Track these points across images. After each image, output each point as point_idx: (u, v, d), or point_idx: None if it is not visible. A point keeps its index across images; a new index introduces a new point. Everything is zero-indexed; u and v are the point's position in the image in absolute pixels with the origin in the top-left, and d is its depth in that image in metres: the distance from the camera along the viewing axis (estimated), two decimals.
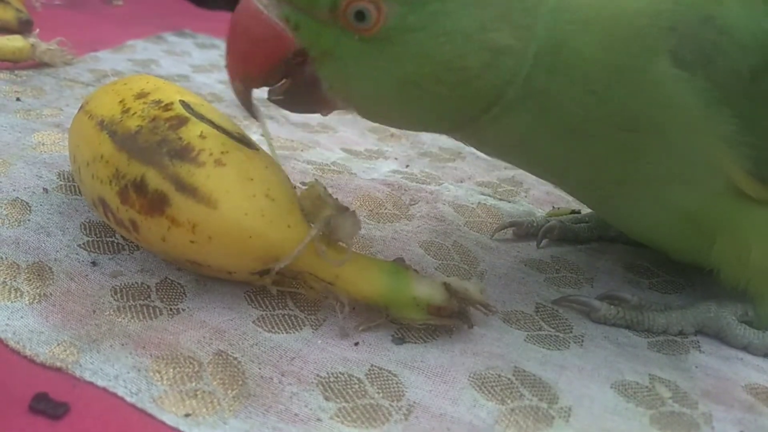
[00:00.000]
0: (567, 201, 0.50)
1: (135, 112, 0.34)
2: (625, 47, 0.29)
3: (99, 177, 0.34)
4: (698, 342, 0.36)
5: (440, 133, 0.36)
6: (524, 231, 0.43)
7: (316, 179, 0.33)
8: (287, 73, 0.31)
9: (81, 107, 0.38)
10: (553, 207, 0.48)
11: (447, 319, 0.32)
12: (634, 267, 0.42)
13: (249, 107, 0.33)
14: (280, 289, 0.34)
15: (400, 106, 0.31)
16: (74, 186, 0.42)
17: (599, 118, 0.30)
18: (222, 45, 0.82)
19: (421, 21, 0.28)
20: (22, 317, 0.31)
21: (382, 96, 0.31)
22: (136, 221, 0.32)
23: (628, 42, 0.29)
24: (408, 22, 0.28)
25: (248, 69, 0.31)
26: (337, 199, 0.32)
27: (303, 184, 0.32)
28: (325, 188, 0.32)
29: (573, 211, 0.46)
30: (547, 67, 0.29)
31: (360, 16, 0.28)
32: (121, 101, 0.36)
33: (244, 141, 0.34)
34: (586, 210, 0.45)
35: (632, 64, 0.29)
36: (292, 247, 0.31)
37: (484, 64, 0.29)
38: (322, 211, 0.32)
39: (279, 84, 0.32)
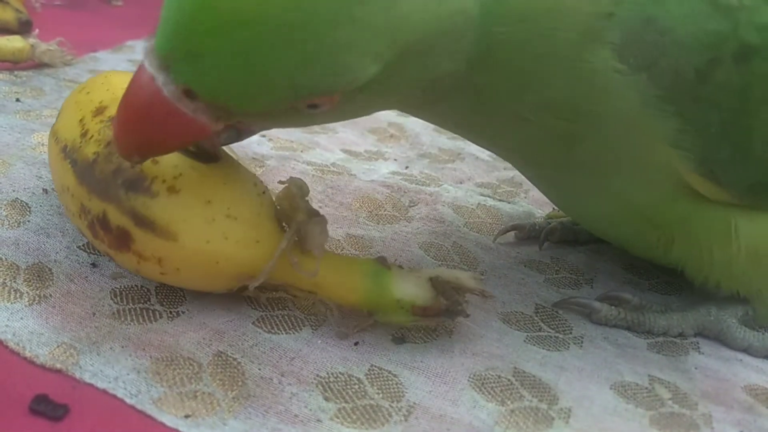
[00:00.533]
0: None
1: (92, 136, 0.33)
2: (563, 37, 0.28)
3: (70, 209, 0.34)
4: (698, 343, 0.36)
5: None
6: (526, 234, 0.43)
7: (291, 178, 0.32)
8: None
9: (53, 125, 0.37)
10: (554, 208, 0.48)
11: (435, 318, 0.31)
12: (634, 268, 0.42)
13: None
14: (268, 296, 0.34)
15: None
16: None
17: (536, 108, 0.30)
18: None
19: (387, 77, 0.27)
20: (21, 318, 0.31)
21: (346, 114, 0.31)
22: (110, 254, 0.32)
23: (566, 32, 0.28)
24: (369, 88, 0.27)
25: (148, 149, 0.28)
26: (308, 201, 0.31)
27: (281, 182, 0.32)
28: (300, 188, 0.31)
29: None
30: (482, 65, 0.29)
31: (313, 106, 0.27)
32: (81, 120, 0.34)
33: (200, 151, 0.32)
34: None
35: (571, 54, 0.29)
36: (265, 263, 0.30)
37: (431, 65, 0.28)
38: (296, 215, 0.31)
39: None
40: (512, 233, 0.43)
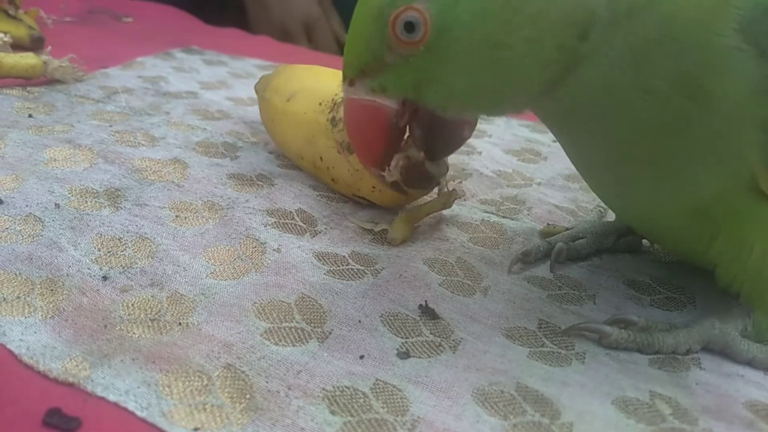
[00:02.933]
0: (568, 220, 0.50)
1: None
2: (693, 9, 0.30)
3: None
4: (699, 359, 0.36)
5: (528, 107, 0.36)
6: (533, 258, 0.43)
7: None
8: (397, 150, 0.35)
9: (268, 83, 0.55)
10: (547, 224, 0.48)
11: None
12: (636, 283, 0.43)
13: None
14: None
15: (488, 90, 0.32)
16: (85, 200, 0.43)
17: (662, 80, 0.31)
18: (229, 61, 0.84)
19: (464, 12, 0.29)
20: (35, 332, 0.31)
21: (470, 88, 0.32)
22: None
23: (702, 7, 0.30)
24: (453, 15, 0.30)
25: (371, 151, 0.35)
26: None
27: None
28: None
29: (566, 229, 0.46)
30: (623, 27, 0.30)
31: (410, 27, 0.30)
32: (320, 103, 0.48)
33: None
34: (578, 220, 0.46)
35: (698, 28, 0.30)
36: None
37: (537, 34, 0.30)
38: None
39: (393, 166, 0.36)
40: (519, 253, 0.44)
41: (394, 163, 0.36)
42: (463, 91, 0.32)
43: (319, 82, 0.50)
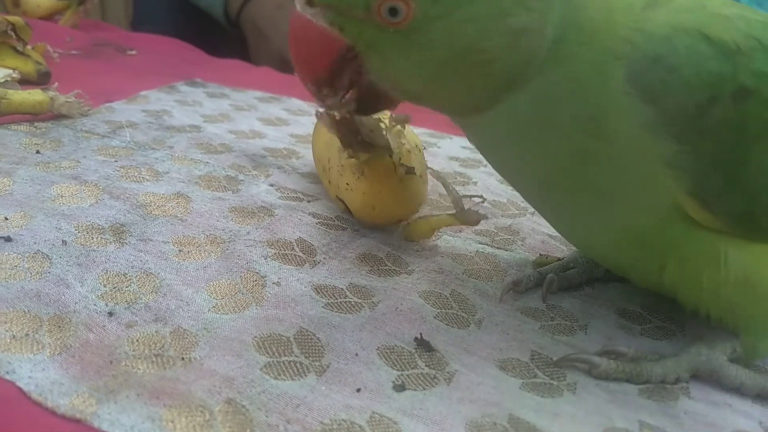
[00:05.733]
0: (562, 250, 0.51)
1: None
2: (598, 51, 0.33)
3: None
4: (688, 388, 0.37)
5: (462, 116, 0.38)
6: (524, 287, 0.44)
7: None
8: (350, 81, 0.36)
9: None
10: (540, 255, 0.49)
11: None
12: (627, 313, 0.44)
13: (323, 103, 0.38)
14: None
15: (435, 88, 0.35)
16: (91, 237, 0.44)
17: (571, 120, 0.34)
18: (232, 94, 0.86)
19: (444, 10, 0.32)
20: (43, 369, 0.32)
21: (419, 78, 0.35)
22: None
23: (598, 47, 0.33)
24: (433, 12, 0.32)
25: (313, 70, 0.36)
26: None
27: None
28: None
29: (558, 259, 0.47)
30: (555, 55, 0.33)
31: (393, 11, 0.32)
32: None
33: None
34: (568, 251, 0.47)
35: (599, 70, 0.33)
36: None
37: (505, 46, 0.33)
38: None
39: (348, 95, 0.37)
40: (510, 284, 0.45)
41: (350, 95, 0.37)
42: (408, 78, 0.35)
43: None
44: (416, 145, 0.52)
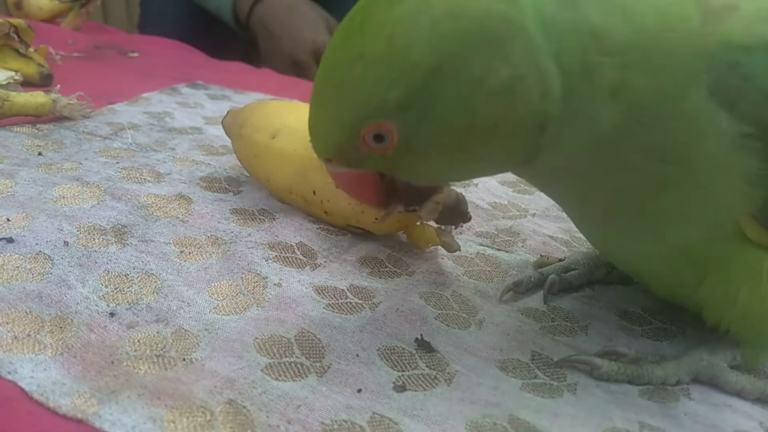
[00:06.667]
0: (562, 251, 0.51)
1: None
2: (670, 74, 0.31)
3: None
4: (688, 389, 0.37)
5: (514, 170, 0.37)
6: (524, 288, 0.44)
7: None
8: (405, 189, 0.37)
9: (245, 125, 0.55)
10: (541, 256, 0.49)
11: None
12: (628, 314, 0.44)
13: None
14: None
15: (467, 169, 0.35)
16: (93, 237, 0.44)
17: (641, 149, 0.32)
18: (233, 96, 0.86)
19: (420, 112, 0.30)
20: (45, 369, 0.33)
21: (447, 171, 0.34)
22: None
23: (673, 69, 0.31)
24: (410, 119, 0.31)
25: (373, 205, 0.38)
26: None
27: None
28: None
29: (559, 260, 0.48)
30: (583, 97, 0.31)
31: (379, 138, 0.31)
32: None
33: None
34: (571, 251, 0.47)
35: (674, 92, 0.31)
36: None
37: (500, 106, 0.30)
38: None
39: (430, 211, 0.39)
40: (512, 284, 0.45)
41: (431, 207, 0.39)
42: (433, 174, 0.35)
43: (300, 121, 0.50)
44: None
